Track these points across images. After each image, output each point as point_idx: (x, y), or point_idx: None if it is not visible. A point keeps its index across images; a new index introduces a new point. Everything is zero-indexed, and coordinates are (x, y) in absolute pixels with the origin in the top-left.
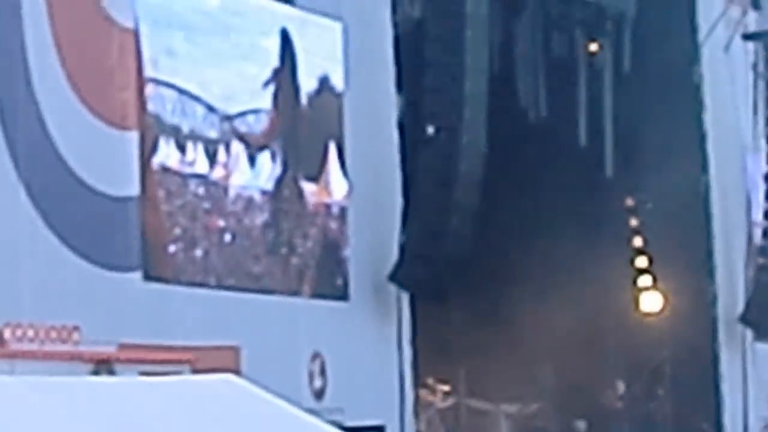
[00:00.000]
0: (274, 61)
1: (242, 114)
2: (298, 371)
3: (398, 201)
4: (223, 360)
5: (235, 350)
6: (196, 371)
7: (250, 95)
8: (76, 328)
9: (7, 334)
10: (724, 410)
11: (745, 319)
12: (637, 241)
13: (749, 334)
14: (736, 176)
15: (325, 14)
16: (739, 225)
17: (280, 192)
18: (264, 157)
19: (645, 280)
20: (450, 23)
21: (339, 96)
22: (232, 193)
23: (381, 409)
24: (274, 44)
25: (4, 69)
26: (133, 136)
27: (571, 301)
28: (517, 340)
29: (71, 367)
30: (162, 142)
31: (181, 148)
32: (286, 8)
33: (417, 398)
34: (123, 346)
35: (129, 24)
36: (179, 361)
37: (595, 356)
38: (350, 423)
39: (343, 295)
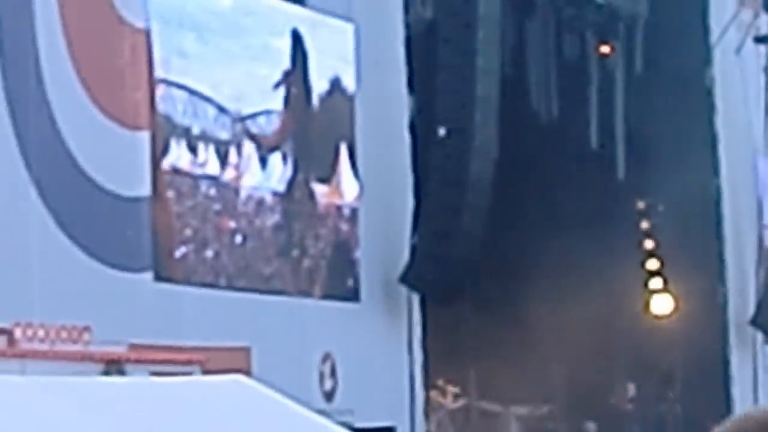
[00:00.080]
0: (286, 62)
1: (253, 115)
2: (309, 372)
3: (409, 202)
4: (233, 361)
5: (245, 351)
6: (206, 372)
7: (262, 96)
8: (86, 329)
9: (18, 333)
10: (734, 413)
11: (755, 322)
12: (648, 244)
13: (760, 336)
14: (747, 179)
15: (337, 15)
16: (750, 228)
17: (292, 193)
18: (275, 159)
19: (656, 283)
20: (462, 25)
21: (350, 97)
22: (243, 194)
23: (391, 411)
24: (286, 45)
25: (17, 69)
26: (145, 136)
27: (581, 303)
28: (527, 342)
29: (82, 367)
30: (173, 143)
31: (193, 149)
32: (297, 9)
33: (427, 400)
34: (133, 347)
35: (141, 24)
36: (190, 362)
37: (606, 358)
38: (360, 424)
39: (353, 297)
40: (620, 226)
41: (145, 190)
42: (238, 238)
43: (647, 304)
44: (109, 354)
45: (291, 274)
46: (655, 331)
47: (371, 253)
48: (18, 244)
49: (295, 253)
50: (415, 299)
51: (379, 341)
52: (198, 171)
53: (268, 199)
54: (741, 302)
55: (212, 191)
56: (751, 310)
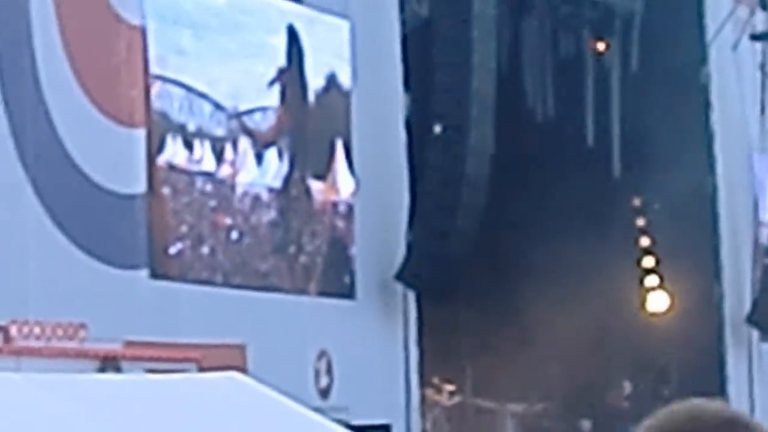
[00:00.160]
0: (282, 59)
1: (249, 112)
2: (305, 369)
3: (405, 199)
4: (229, 358)
5: (241, 348)
6: (202, 369)
7: (258, 93)
8: (82, 326)
9: (13, 331)
10: None
11: (751, 320)
12: (644, 241)
13: (756, 334)
14: (743, 176)
15: (333, 13)
16: (745, 225)
17: (288, 190)
18: (271, 155)
19: (652, 280)
20: (457, 22)
21: (346, 94)
22: (239, 190)
23: (387, 408)
24: (282, 42)
25: (13, 67)
26: (141, 133)
27: (577, 301)
28: (523, 340)
29: (77, 364)
30: (169, 140)
31: (189, 146)
32: (293, 6)
33: (423, 397)
34: (129, 344)
35: (137, 22)
36: (185, 359)
37: (602, 356)
38: (356, 422)
39: (349, 294)
40: (616, 224)
41: (140, 187)
42: (234, 235)
43: (643, 302)
44: (105, 351)
45: (287, 271)
46: (650, 329)
47: (367, 251)
48: (14, 241)
49: (292, 249)
50: (411, 297)
51: (375, 339)
52: (194, 167)
53: (264, 195)
54: (737, 300)
55: (208, 187)
56: (747, 307)
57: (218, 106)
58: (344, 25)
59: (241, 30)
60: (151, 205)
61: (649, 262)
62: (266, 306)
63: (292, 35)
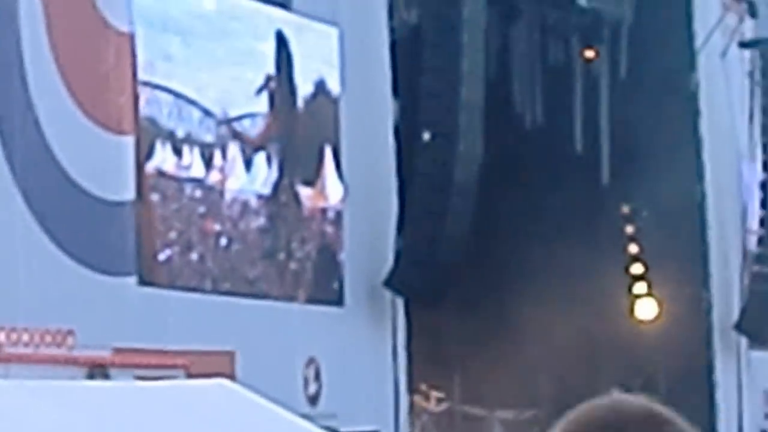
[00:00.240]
0: (270, 66)
1: (238, 118)
2: (293, 376)
3: (394, 206)
4: (217, 365)
5: (230, 355)
6: (190, 376)
7: (246, 99)
8: (70, 332)
9: (1, 337)
10: (718, 418)
11: (740, 327)
12: (633, 248)
13: (744, 342)
14: (731, 184)
15: (322, 20)
16: (734, 232)
17: (277, 196)
18: (260, 161)
19: (640, 287)
20: (446, 29)
21: (335, 100)
22: (228, 197)
23: (375, 415)
24: (271, 49)
25: (1, 73)
26: (129, 140)
27: (566, 308)
28: (512, 346)
29: (66, 371)
30: (158, 146)
31: (177, 152)
32: (282, 13)
33: (411, 404)
34: (118, 351)
35: (125, 28)
36: (174, 366)
37: (590, 363)
38: (344, 429)
39: (338, 301)
40: (604, 231)
41: (129, 193)
42: (223, 241)
43: (631, 309)
44: (94, 358)
45: (276, 278)
46: (639, 336)
47: (355, 257)
48: (2, 248)
49: (281, 256)
50: (400, 303)
51: (364, 345)
52: (183, 174)
53: (253, 201)
54: (725, 307)
55: (197, 194)
56: (736, 315)
57: (207, 113)
58: (333, 32)
59: (230, 36)
60: (140, 211)
61: (637, 269)
62: (255, 313)
63: (281, 41)
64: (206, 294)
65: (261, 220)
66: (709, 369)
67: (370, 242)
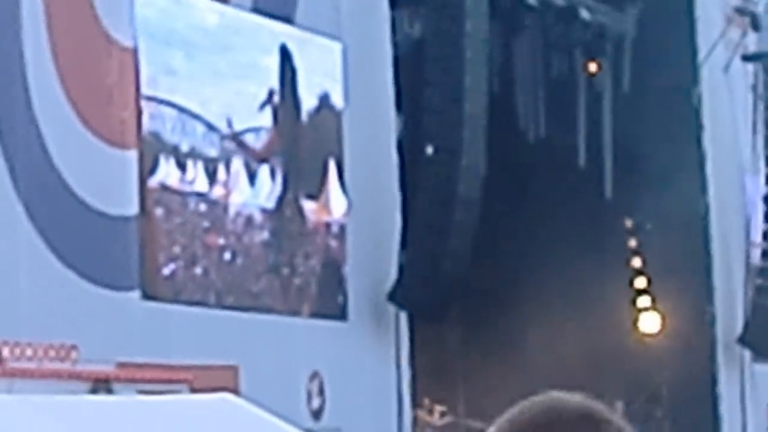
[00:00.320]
0: (274, 80)
1: (242, 132)
2: (297, 391)
3: (397, 220)
4: (221, 379)
5: (233, 369)
6: (194, 390)
7: (250, 113)
8: (74, 347)
9: (5, 352)
10: (722, 431)
11: (743, 340)
12: (636, 262)
13: (748, 355)
14: (735, 197)
15: (325, 34)
16: (738, 246)
17: (281, 210)
18: (264, 175)
19: (644, 301)
20: (449, 44)
21: (339, 114)
22: (231, 211)
23: (379, 429)
24: (274, 63)
25: (4, 88)
26: (133, 155)
27: (569, 321)
28: (515, 360)
29: (69, 385)
30: (162, 161)
31: (181, 167)
32: (285, 28)
33: (415, 418)
34: (121, 365)
35: (128, 43)
36: (178, 381)
37: (594, 376)
38: None
39: (341, 315)
40: (608, 245)
41: (133, 208)
42: (227, 256)
43: (635, 322)
44: (97, 373)
45: (280, 292)
46: (642, 350)
47: (359, 271)
48: (6, 263)
49: (285, 270)
50: (403, 318)
51: (367, 360)
52: (186, 188)
53: (257, 216)
54: (729, 320)
55: (201, 208)
56: (739, 328)
57: (211, 127)
58: (336, 47)
59: (233, 50)
60: (144, 225)
61: (641, 282)
62: (259, 327)
63: (285, 55)
64: (210, 308)
65: (265, 234)
66: (713, 382)
67: (374, 256)
